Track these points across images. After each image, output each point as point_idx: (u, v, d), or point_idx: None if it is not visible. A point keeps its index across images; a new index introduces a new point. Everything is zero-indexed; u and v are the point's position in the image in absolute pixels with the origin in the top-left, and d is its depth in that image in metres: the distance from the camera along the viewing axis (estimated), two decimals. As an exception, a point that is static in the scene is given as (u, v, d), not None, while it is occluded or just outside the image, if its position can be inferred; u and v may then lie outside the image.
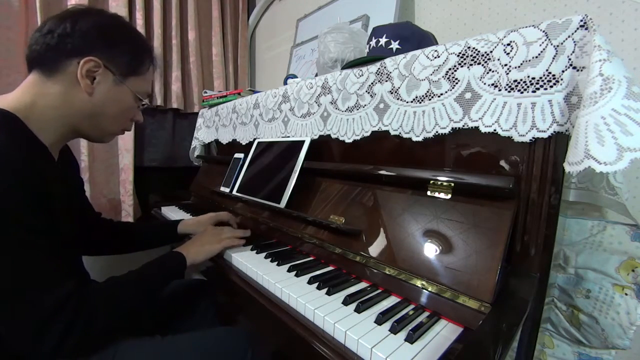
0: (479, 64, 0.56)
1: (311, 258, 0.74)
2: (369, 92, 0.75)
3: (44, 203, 0.50)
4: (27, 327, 0.47)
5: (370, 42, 0.83)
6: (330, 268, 0.69)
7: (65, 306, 0.49)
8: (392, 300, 0.56)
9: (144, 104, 0.70)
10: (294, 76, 1.20)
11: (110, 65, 0.60)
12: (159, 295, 0.83)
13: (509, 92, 0.53)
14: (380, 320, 0.48)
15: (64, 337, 0.49)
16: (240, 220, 1.04)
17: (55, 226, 0.52)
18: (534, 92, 0.50)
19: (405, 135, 0.68)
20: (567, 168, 0.44)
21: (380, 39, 0.79)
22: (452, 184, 0.58)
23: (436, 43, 0.82)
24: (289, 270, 0.66)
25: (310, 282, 0.61)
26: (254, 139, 1.14)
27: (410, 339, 0.44)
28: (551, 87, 0.48)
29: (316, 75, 1.00)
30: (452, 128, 0.60)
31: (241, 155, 1.16)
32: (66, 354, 0.50)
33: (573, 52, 0.47)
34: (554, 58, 0.48)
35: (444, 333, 0.47)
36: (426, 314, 0.51)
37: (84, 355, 0.55)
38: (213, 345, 0.66)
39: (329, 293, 0.57)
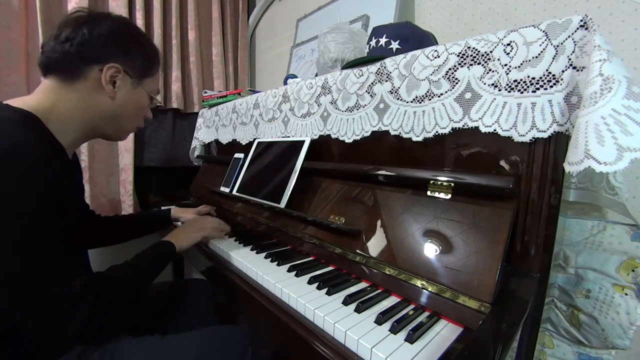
0: (479, 64, 0.56)
1: (311, 258, 0.74)
2: (369, 92, 0.75)
3: (61, 202, 0.53)
4: (50, 315, 0.49)
5: (370, 42, 0.83)
6: (330, 268, 0.69)
7: (87, 292, 0.52)
8: (392, 300, 0.56)
9: (156, 103, 0.76)
10: (294, 76, 1.20)
11: (129, 70, 0.65)
12: (160, 294, 0.89)
13: (509, 92, 0.53)
14: (380, 320, 0.48)
15: (88, 322, 0.52)
16: (240, 220, 1.05)
17: (69, 223, 0.55)
18: (534, 92, 0.50)
19: (405, 135, 0.68)
20: (567, 168, 0.44)
21: (380, 39, 0.79)
22: (452, 184, 0.58)
23: (436, 43, 0.82)
24: (289, 270, 0.66)
25: (310, 282, 0.61)
26: (254, 139, 1.14)
27: (410, 339, 0.44)
28: (551, 87, 0.48)
29: (316, 75, 1.00)
30: (452, 128, 0.60)
31: (241, 155, 1.16)
32: (87, 338, 0.53)
33: (573, 52, 0.47)
34: (554, 58, 0.48)
35: (444, 333, 0.47)
36: (426, 314, 0.51)
37: (87, 353, 0.56)
38: (213, 343, 0.66)
39: (329, 293, 0.57)
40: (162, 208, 1.30)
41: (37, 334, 0.50)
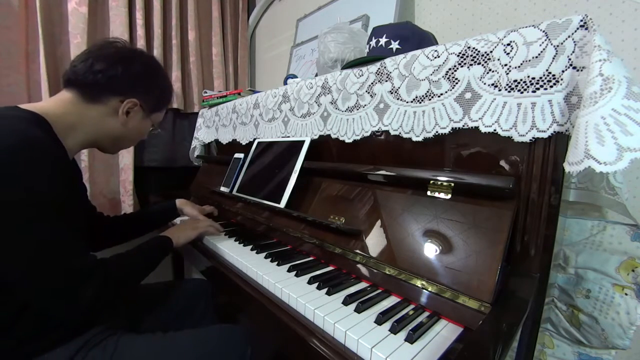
0: (479, 64, 0.56)
1: (311, 258, 0.74)
2: (369, 92, 0.75)
3: (72, 192, 0.59)
4: (65, 284, 0.53)
5: (370, 42, 0.83)
6: (330, 268, 0.69)
7: (98, 268, 0.57)
8: (392, 300, 0.56)
9: (155, 131, 0.85)
10: (294, 76, 1.20)
11: (144, 105, 0.73)
12: (161, 294, 0.91)
13: (509, 92, 0.53)
14: (380, 320, 0.48)
15: (99, 292, 0.56)
16: (240, 220, 1.05)
17: (77, 221, 0.60)
18: (534, 92, 0.50)
19: (405, 135, 0.67)
20: (567, 168, 0.44)
21: (380, 39, 0.79)
22: (452, 184, 0.58)
23: (436, 43, 0.82)
24: (289, 270, 0.66)
25: (310, 282, 0.61)
26: (254, 139, 1.14)
27: (410, 339, 0.44)
28: (551, 87, 0.48)
29: (316, 75, 1.00)
30: (452, 128, 0.60)
31: (241, 155, 1.16)
32: (96, 312, 0.58)
33: (573, 52, 0.47)
34: (554, 58, 0.48)
35: (444, 333, 0.47)
36: (426, 314, 0.51)
37: (88, 347, 0.60)
38: (213, 342, 0.67)
39: (329, 293, 0.57)
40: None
41: (53, 304, 0.54)
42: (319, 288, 0.58)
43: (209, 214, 1.08)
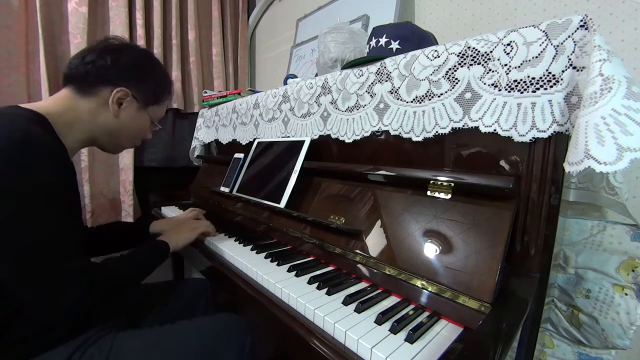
0: (479, 64, 0.56)
1: (311, 258, 0.74)
2: (369, 92, 0.75)
3: (72, 191, 0.59)
4: (54, 289, 0.53)
5: (370, 42, 0.83)
6: (330, 268, 0.69)
7: (84, 274, 0.56)
8: (392, 300, 0.56)
9: (156, 127, 0.82)
10: (294, 76, 1.20)
11: (137, 95, 0.72)
12: (160, 294, 0.91)
13: (509, 92, 0.53)
14: (380, 320, 0.48)
15: (80, 300, 0.54)
16: (240, 220, 1.05)
17: (78, 212, 0.62)
18: (534, 92, 0.50)
19: (405, 135, 0.68)
20: (567, 168, 0.44)
21: (380, 39, 0.79)
22: (452, 184, 0.58)
23: (436, 43, 0.82)
24: (289, 270, 0.66)
25: (310, 282, 0.61)
26: (254, 139, 1.14)
27: (410, 339, 0.44)
28: (551, 87, 0.48)
29: (316, 75, 1.00)
30: (452, 128, 0.60)
31: (241, 155, 1.16)
32: (81, 317, 0.56)
33: (573, 52, 0.47)
34: (554, 58, 0.48)
35: (444, 333, 0.47)
36: (426, 314, 0.51)
37: (86, 345, 0.59)
38: (212, 330, 0.67)
39: (329, 293, 0.57)
40: (163, 208, 1.31)
41: (36, 305, 0.53)
42: (319, 288, 0.58)
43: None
